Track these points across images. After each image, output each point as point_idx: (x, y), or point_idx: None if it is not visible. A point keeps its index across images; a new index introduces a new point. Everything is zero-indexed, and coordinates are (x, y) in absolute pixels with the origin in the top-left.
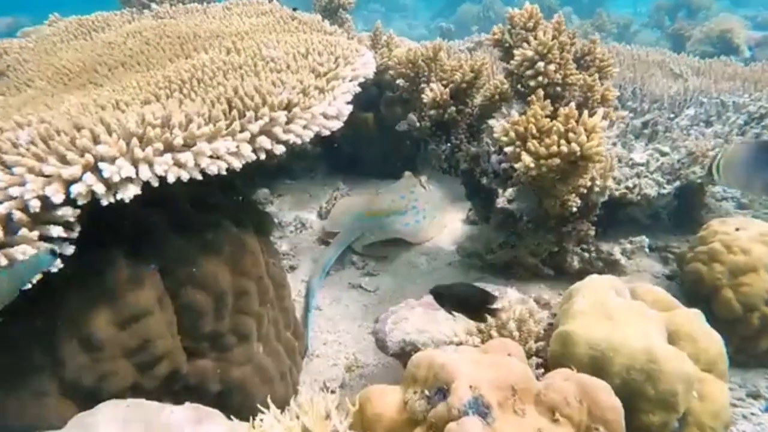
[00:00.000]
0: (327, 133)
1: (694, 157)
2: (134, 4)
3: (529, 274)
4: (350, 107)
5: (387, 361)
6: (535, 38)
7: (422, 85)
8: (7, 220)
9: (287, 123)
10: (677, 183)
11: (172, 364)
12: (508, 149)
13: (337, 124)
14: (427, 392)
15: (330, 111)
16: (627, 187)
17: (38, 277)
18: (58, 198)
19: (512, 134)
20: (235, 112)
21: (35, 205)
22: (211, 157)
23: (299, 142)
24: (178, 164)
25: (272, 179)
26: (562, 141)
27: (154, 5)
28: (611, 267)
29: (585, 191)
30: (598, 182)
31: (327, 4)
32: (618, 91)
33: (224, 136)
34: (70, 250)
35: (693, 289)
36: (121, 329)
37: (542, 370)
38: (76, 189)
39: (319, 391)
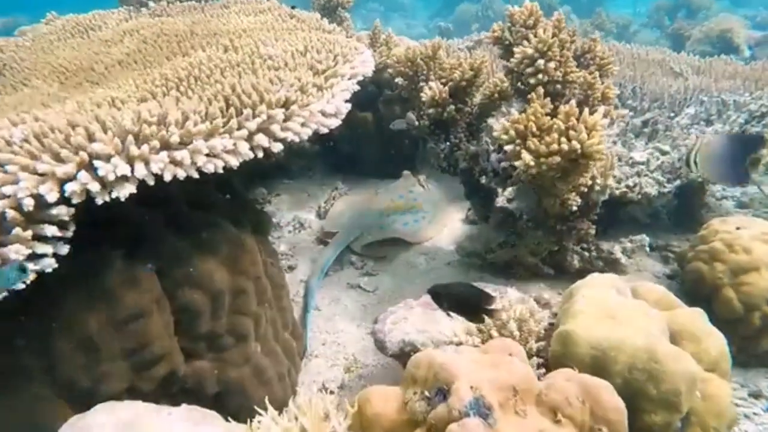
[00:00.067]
0: (325, 131)
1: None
2: (131, 2)
3: (529, 274)
4: (349, 105)
5: (386, 362)
6: (535, 36)
7: (421, 84)
8: (0, 218)
9: (285, 121)
10: (677, 182)
11: (170, 366)
12: (507, 147)
13: (335, 122)
14: (427, 393)
15: (328, 109)
16: (627, 186)
17: (32, 277)
18: (52, 197)
19: (512, 132)
20: (232, 110)
21: (29, 204)
22: (207, 155)
23: (297, 140)
24: (175, 162)
25: (270, 178)
26: (563, 139)
27: (151, 3)
28: (611, 266)
29: (585, 190)
30: (598, 181)
31: (326, 3)
32: (618, 90)
33: (221, 133)
34: (64, 249)
35: (694, 289)
36: (118, 330)
37: (543, 370)
38: (70, 187)
39: (318, 392)
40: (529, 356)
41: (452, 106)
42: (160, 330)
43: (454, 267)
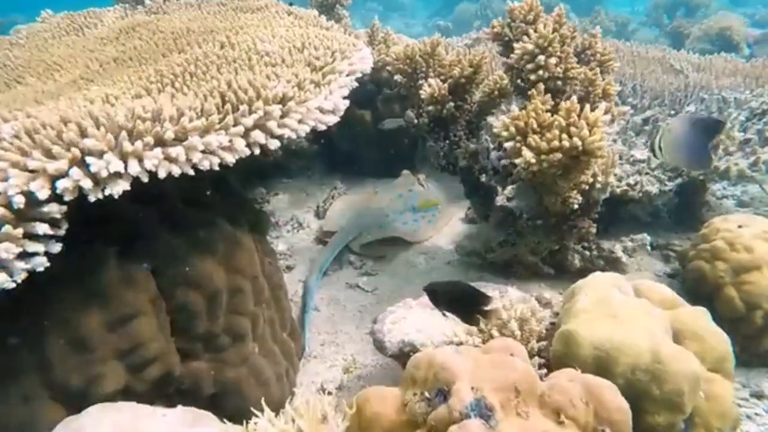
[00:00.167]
0: (323, 127)
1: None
2: None
3: (529, 273)
4: (347, 102)
5: (385, 362)
6: (536, 31)
7: (420, 81)
8: None
9: (282, 117)
10: (679, 180)
11: (165, 366)
12: (508, 145)
13: (333, 119)
14: (427, 394)
15: (326, 105)
16: (628, 184)
17: (24, 276)
18: (43, 194)
19: (512, 129)
20: (228, 106)
21: (19, 201)
22: (203, 151)
23: (294, 136)
24: (169, 159)
25: (269, 178)
26: (564, 135)
27: (147, 0)
28: (612, 265)
29: (586, 188)
30: (599, 178)
31: (323, 0)
32: (619, 87)
33: (217, 130)
34: (56, 248)
35: (695, 288)
36: (112, 330)
37: (545, 371)
38: (62, 184)
39: (316, 393)
40: (531, 356)
41: (452, 104)
42: (155, 330)
43: (454, 266)
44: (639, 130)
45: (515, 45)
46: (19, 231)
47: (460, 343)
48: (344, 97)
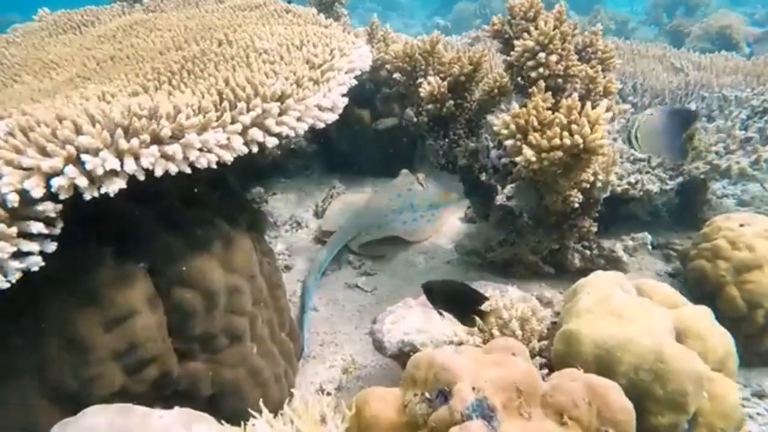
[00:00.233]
0: (322, 125)
1: (696, 152)
2: None
3: (529, 273)
4: (346, 99)
5: (385, 363)
6: (536, 28)
7: (419, 80)
8: None
9: (280, 114)
10: (680, 179)
11: (162, 367)
12: (508, 143)
13: (332, 117)
14: (427, 394)
15: (325, 103)
16: (629, 183)
17: (18, 275)
18: (38, 192)
19: (513, 127)
20: (225, 104)
21: (13, 200)
22: (200, 149)
23: (293, 134)
24: (166, 157)
25: (267, 177)
26: (565, 133)
27: None
28: (613, 264)
29: (587, 186)
30: (600, 177)
31: None
32: (620, 85)
33: (214, 127)
34: (51, 247)
35: (696, 287)
36: (108, 331)
37: (546, 371)
38: (57, 182)
39: (315, 393)
40: (532, 356)
41: (451, 102)
42: (152, 330)
43: (454, 266)
44: None
45: (515, 42)
46: (14, 230)
47: (461, 343)
48: (343, 95)
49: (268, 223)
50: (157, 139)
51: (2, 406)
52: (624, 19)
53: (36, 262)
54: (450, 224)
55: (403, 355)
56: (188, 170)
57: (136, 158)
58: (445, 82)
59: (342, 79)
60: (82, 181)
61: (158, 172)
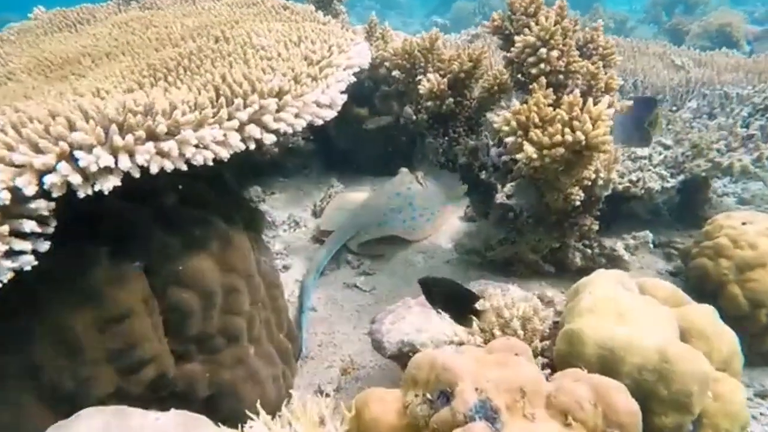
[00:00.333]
0: (320, 122)
1: (698, 149)
2: None
3: (529, 272)
4: (344, 96)
5: (384, 363)
6: (537, 24)
7: (419, 77)
8: None
9: (278, 111)
10: (681, 177)
11: (159, 368)
12: (509, 140)
13: (330, 114)
14: (429, 396)
15: (323, 99)
16: (630, 181)
17: (10, 275)
18: (30, 189)
19: (513, 124)
20: (222, 100)
21: (5, 198)
22: (196, 146)
23: (291, 131)
24: (162, 153)
25: (265, 176)
26: (567, 130)
27: None
28: (614, 263)
29: (589, 184)
30: (601, 174)
31: None
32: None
33: (211, 124)
34: (44, 246)
35: (698, 286)
36: (103, 331)
37: (548, 371)
38: (49, 179)
39: (314, 394)
40: (534, 356)
41: (451, 99)
42: (148, 331)
43: (453, 265)
44: None
45: (516, 38)
46: (5, 228)
47: (462, 343)
48: (342, 92)
49: (265, 222)
50: (152, 136)
51: None
52: (623, 18)
53: (28, 262)
54: (449, 223)
55: (402, 356)
56: (184, 167)
57: (131, 155)
58: (445, 79)
59: (340, 76)
60: (76, 179)
61: (154, 169)
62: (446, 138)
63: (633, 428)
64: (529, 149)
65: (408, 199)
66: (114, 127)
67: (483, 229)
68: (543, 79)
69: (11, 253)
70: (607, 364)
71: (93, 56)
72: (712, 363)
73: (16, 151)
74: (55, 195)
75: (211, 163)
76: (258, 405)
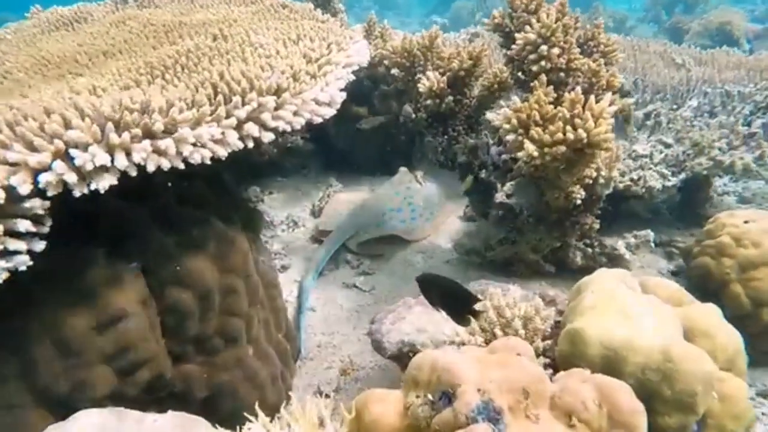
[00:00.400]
0: (319, 120)
1: (699, 148)
2: None
3: (530, 271)
4: (344, 94)
5: (384, 364)
6: (538, 20)
7: (418, 75)
8: None
9: (276, 109)
10: (682, 175)
11: (156, 369)
12: (509, 138)
13: (329, 111)
14: (430, 396)
15: (322, 97)
16: (632, 179)
17: (5, 275)
18: (25, 188)
19: (514, 122)
20: (220, 97)
21: None
22: (194, 144)
23: (289, 129)
24: (158, 152)
25: (264, 176)
26: (568, 127)
27: None
28: (615, 262)
29: (590, 182)
30: (603, 173)
31: None
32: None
33: (208, 122)
34: (40, 246)
35: (700, 285)
36: (100, 332)
37: (550, 371)
38: (45, 178)
39: (313, 396)
40: (536, 356)
41: (450, 98)
42: (145, 332)
43: (453, 265)
44: (641, 125)
45: (517, 35)
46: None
47: (462, 343)
48: (341, 90)
49: (264, 222)
50: (149, 134)
51: None
52: (622, 17)
53: (23, 262)
54: (449, 222)
55: (402, 356)
56: (182, 166)
57: (128, 153)
58: (444, 78)
59: (340, 74)
60: (71, 177)
61: (150, 168)
62: (446, 137)
63: (638, 429)
64: (530, 147)
65: (407, 198)
66: (110, 125)
67: (483, 228)
68: (544, 77)
69: (6, 253)
70: (610, 364)
71: (90, 54)
72: (716, 362)
73: (10, 150)
74: (50, 194)
75: (208, 162)
76: (257, 406)
